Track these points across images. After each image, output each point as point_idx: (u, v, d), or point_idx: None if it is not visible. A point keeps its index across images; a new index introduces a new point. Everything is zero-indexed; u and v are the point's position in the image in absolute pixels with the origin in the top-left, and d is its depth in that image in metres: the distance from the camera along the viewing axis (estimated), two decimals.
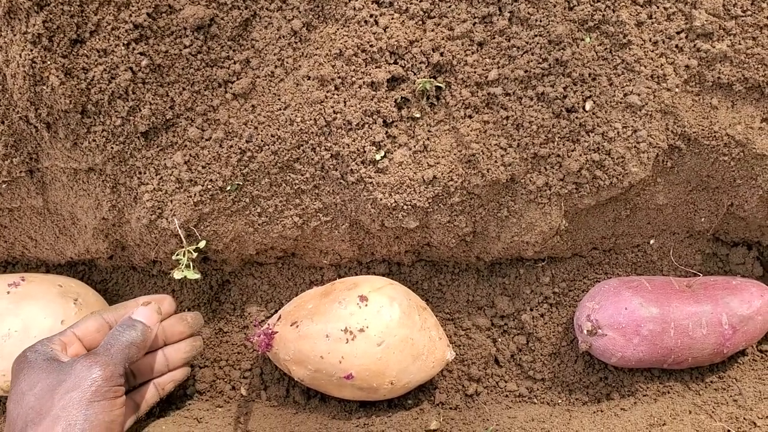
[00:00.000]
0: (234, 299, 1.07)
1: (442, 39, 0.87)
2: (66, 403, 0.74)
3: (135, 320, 0.84)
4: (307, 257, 1.03)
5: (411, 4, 0.87)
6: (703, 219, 0.98)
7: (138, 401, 0.90)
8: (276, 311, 1.04)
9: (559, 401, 1.02)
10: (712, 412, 0.92)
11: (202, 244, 0.94)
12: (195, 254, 0.94)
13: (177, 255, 0.93)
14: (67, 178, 0.94)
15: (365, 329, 0.89)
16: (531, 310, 1.04)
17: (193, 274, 0.92)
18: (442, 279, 1.06)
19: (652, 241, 1.02)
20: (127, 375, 0.86)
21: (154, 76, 0.86)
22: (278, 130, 0.88)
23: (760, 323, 0.95)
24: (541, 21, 0.84)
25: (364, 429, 0.95)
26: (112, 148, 0.89)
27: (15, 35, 0.82)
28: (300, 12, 0.87)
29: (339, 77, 0.87)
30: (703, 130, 0.88)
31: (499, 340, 1.04)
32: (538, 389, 1.03)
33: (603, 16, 0.84)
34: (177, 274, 0.91)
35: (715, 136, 0.88)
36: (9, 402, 0.78)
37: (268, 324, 0.95)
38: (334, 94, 0.88)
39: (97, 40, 0.84)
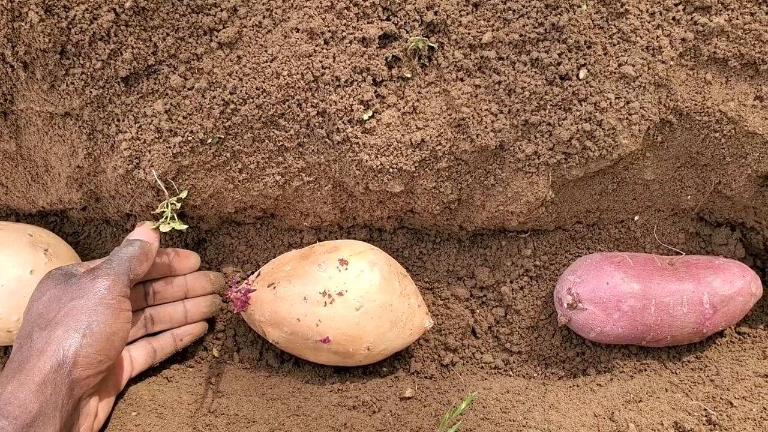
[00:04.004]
0: (210, 258, 1.05)
1: None
2: (69, 309, 0.78)
3: (132, 239, 0.87)
4: (287, 218, 1.00)
5: None
6: (689, 197, 0.97)
7: (155, 347, 0.94)
8: (252, 273, 1.02)
9: (535, 375, 1.01)
10: (689, 391, 0.92)
11: (183, 194, 0.92)
12: (178, 205, 0.91)
13: (161, 207, 0.91)
14: (42, 123, 0.90)
15: (344, 293, 0.88)
16: (511, 282, 1.03)
17: (180, 225, 0.90)
18: (423, 247, 1.04)
19: (636, 218, 1.01)
20: (146, 320, 0.94)
21: (138, 19, 0.83)
22: (264, 83, 0.86)
23: (741, 304, 0.94)
24: None
25: (338, 394, 0.94)
26: (90, 92, 0.85)
27: None
28: None
29: (329, 31, 0.85)
30: (695, 105, 0.87)
31: (477, 311, 1.03)
32: (514, 362, 1.02)
33: None
34: (164, 227, 0.89)
35: (707, 111, 0.87)
36: (24, 310, 0.82)
37: (248, 281, 0.93)
38: (323, 48, 0.85)
39: None
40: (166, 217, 0.90)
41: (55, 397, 0.73)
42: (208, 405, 0.92)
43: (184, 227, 0.91)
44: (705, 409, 0.88)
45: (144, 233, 0.88)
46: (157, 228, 0.88)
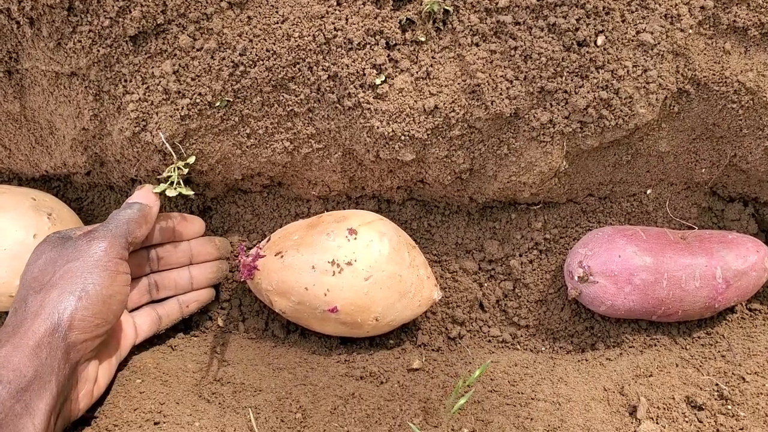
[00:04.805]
0: (215, 227, 1.03)
1: None
2: (64, 272, 0.76)
3: (131, 202, 0.86)
4: (294, 187, 0.99)
5: None
6: (703, 170, 0.96)
7: (160, 314, 0.93)
8: (259, 242, 1.00)
9: (543, 349, 1.00)
10: (700, 366, 0.91)
11: (191, 160, 0.90)
12: (185, 170, 0.89)
13: (168, 172, 0.89)
14: (47, 82, 0.88)
15: (353, 263, 0.86)
16: (520, 255, 1.02)
17: (187, 191, 0.88)
18: (431, 220, 1.03)
19: (649, 191, 0.99)
20: (150, 286, 0.92)
21: None
22: (274, 44, 0.84)
23: (754, 279, 0.93)
24: None
25: (345, 365, 0.93)
26: (98, 51, 0.83)
27: None
28: None
29: None
30: (713, 74, 0.86)
31: (486, 284, 1.02)
32: (521, 336, 1.01)
33: None
34: (170, 192, 0.87)
35: (725, 81, 0.86)
36: (21, 274, 0.80)
37: (258, 246, 0.91)
38: (335, 10, 0.83)
39: None
40: (173, 182, 0.88)
41: (51, 361, 0.71)
42: (214, 373, 0.90)
43: (191, 193, 0.89)
44: (717, 384, 0.87)
45: (144, 196, 0.86)
46: (162, 192, 0.87)
